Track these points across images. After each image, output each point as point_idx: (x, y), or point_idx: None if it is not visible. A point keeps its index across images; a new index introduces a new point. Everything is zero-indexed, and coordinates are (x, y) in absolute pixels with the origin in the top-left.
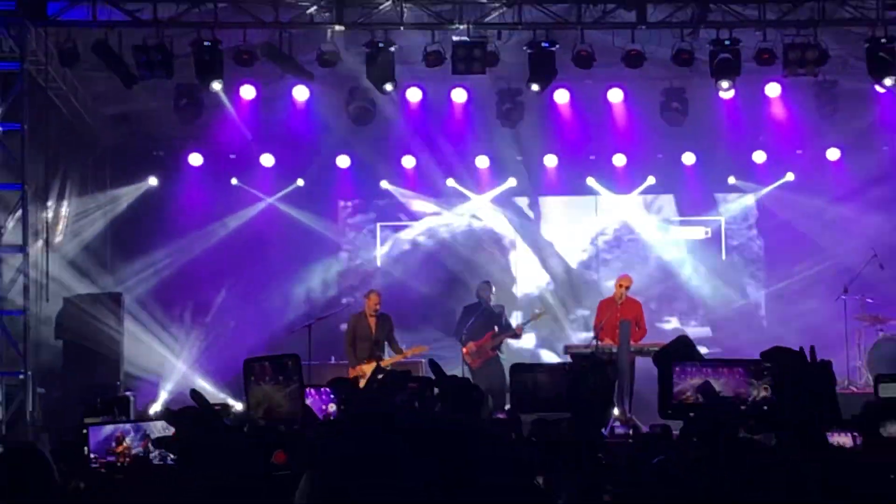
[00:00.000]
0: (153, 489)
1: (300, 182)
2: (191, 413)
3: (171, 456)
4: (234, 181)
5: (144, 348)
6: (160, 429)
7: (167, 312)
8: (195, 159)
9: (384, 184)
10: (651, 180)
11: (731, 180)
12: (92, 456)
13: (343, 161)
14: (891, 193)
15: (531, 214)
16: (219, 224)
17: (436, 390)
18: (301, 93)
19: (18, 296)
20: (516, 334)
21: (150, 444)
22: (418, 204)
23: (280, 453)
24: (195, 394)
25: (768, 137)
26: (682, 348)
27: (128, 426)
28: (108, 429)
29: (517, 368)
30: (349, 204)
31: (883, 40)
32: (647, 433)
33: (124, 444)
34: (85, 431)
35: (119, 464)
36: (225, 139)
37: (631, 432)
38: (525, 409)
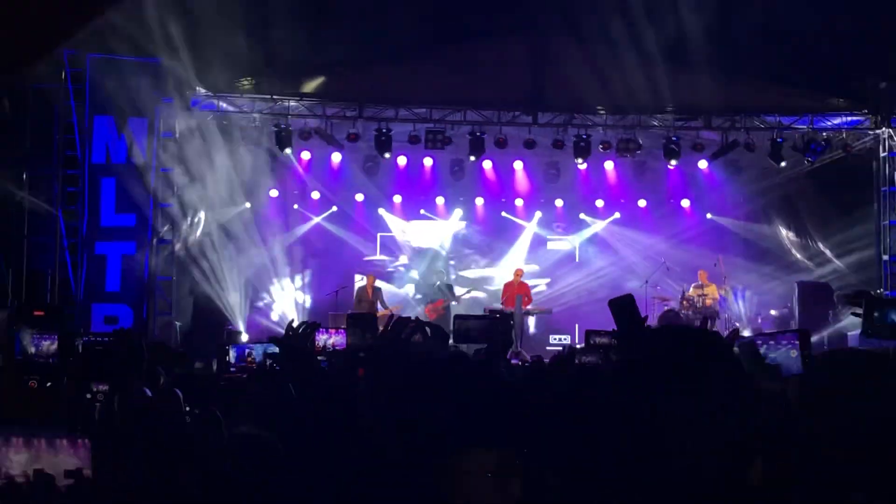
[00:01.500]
0: (264, 385)
1: (334, 208)
2: (286, 340)
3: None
4: (295, 206)
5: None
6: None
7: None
8: (274, 192)
9: (382, 212)
10: (538, 214)
11: (582, 216)
12: (232, 363)
13: (359, 197)
14: (675, 227)
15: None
16: (288, 234)
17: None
18: (336, 156)
19: (169, 270)
20: (457, 301)
21: (266, 358)
22: (403, 229)
23: (361, 370)
24: (289, 326)
25: (605, 191)
26: (628, 303)
27: (254, 345)
28: (242, 346)
29: (458, 318)
30: (360, 224)
31: (673, 138)
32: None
33: (251, 357)
34: (227, 347)
35: (249, 367)
36: (291, 181)
37: (520, 362)
38: (462, 342)
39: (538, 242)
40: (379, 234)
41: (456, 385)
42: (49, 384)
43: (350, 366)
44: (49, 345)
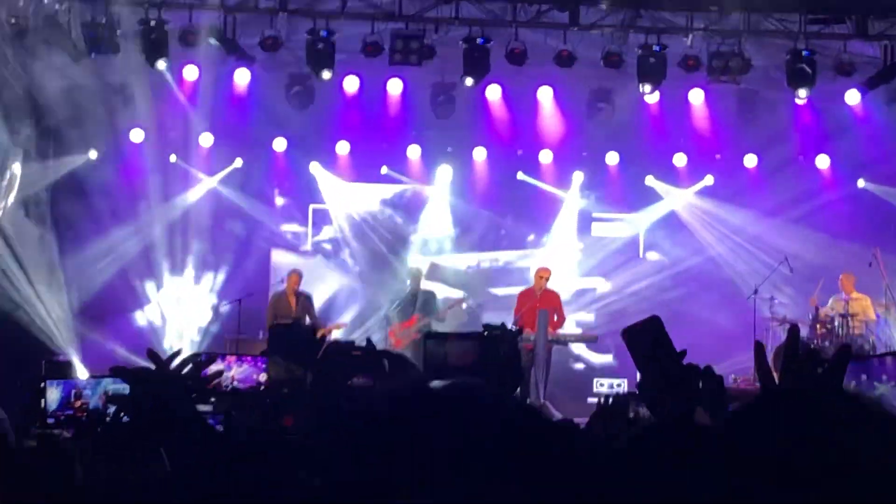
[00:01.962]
0: (95, 451)
1: (238, 163)
2: (143, 373)
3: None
4: (172, 158)
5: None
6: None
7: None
8: (136, 135)
9: (316, 167)
10: (580, 176)
11: (651, 180)
12: (50, 411)
13: (279, 144)
14: (804, 202)
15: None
16: (165, 205)
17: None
18: (242, 76)
19: None
20: (440, 318)
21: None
22: (351, 188)
23: (289, 418)
24: (151, 353)
25: (689, 141)
26: (653, 330)
27: (84, 381)
28: (69, 384)
29: (429, 337)
30: (282, 186)
31: (804, 52)
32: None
33: (79, 402)
34: (42, 385)
35: (78, 417)
36: (167, 117)
37: None
38: (437, 376)
39: (580, 223)
40: (311, 206)
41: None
42: None
43: (270, 415)
44: None
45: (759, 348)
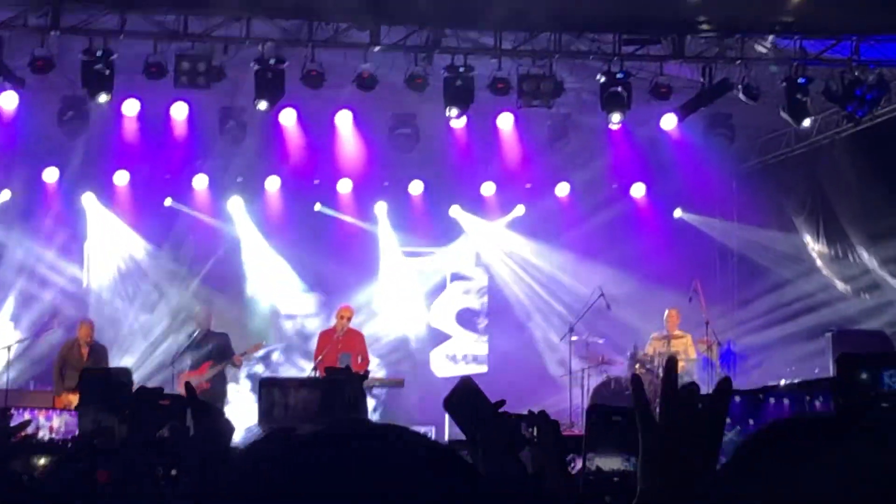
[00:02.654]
0: None
1: (6, 194)
2: None
3: None
4: None
5: None
6: None
7: None
8: None
9: (90, 199)
10: (382, 206)
11: (455, 211)
12: None
13: (51, 175)
14: (619, 231)
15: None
16: None
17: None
18: (9, 99)
19: None
20: (235, 364)
21: None
22: (129, 222)
23: (103, 473)
24: None
25: (498, 169)
26: (468, 392)
27: None
28: None
29: (266, 382)
30: (54, 221)
31: (618, 75)
32: None
33: None
34: None
35: None
36: None
37: None
38: (274, 422)
39: (383, 259)
40: (86, 244)
41: None
42: None
43: (81, 469)
44: None
45: (637, 382)
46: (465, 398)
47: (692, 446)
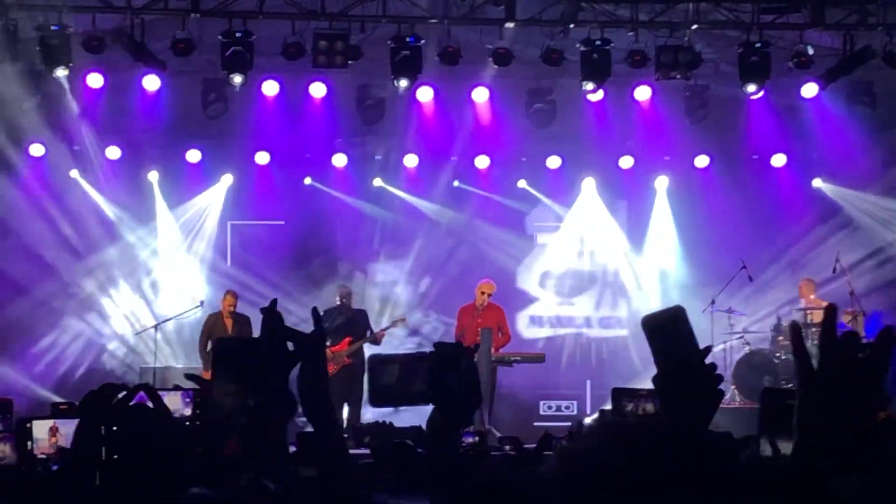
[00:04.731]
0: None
1: (154, 175)
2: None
3: None
4: (74, 174)
5: None
6: None
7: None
8: (37, 150)
9: (228, 179)
10: (520, 184)
11: (591, 184)
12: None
13: (193, 156)
14: (758, 203)
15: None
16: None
17: None
18: (152, 82)
19: None
20: (376, 340)
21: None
22: (272, 202)
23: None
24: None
25: (636, 142)
26: (677, 321)
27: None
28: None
29: (374, 360)
30: (199, 200)
31: (757, 45)
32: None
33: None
34: (28, 426)
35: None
36: (69, 129)
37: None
38: (382, 402)
39: (518, 232)
40: (230, 224)
41: None
42: None
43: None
44: None
45: (796, 328)
46: (670, 325)
47: (851, 395)
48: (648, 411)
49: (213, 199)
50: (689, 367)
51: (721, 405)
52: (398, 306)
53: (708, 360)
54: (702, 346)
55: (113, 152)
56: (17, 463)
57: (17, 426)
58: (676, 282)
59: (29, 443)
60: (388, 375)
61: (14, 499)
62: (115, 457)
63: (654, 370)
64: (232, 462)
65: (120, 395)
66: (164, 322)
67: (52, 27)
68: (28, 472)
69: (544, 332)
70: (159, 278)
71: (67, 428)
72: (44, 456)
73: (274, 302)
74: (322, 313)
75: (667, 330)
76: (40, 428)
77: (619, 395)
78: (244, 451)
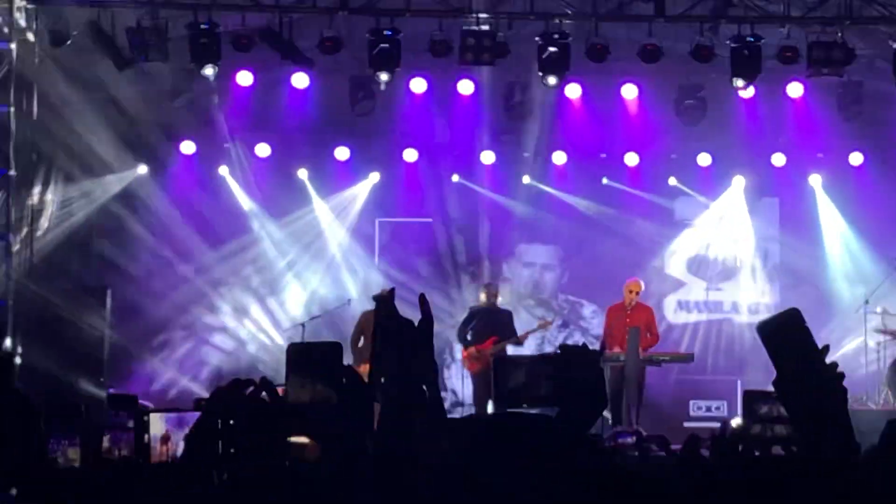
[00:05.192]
0: None
1: (304, 173)
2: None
3: None
4: (223, 171)
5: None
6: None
7: (153, 307)
8: (188, 147)
9: (376, 176)
10: (673, 181)
11: (741, 182)
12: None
13: (342, 153)
14: None
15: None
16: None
17: None
18: (300, 80)
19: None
20: (518, 341)
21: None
22: (419, 199)
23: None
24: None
25: (788, 140)
26: (794, 325)
27: (175, 416)
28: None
29: (500, 362)
30: (347, 197)
31: None
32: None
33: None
34: (146, 419)
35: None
36: (219, 127)
37: (633, 440)
38: (508, 404)
39: (665, 222)
40: (378, 221)
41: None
42: None
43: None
44: None
45: None
46: (786, 329)
47: None
48: (783, 414)
49: (361, 196)
50: (809, 367)
51: (876, 407)
52: (545, 304)
53: (834, 359)
54: (856, 347)
55: (262, 149)
56: (131, 454)
57: (136, 418)
58: (828, 279)
59: (146, 436)
60: (514, 378)
61: (131, 490)
62: (231, 451)
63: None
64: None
65: (248, 390)
66: (314, 319)
67: (202, 26)
68: (142, 465)
69: (692, 317)
70: (306, 275)
71: (179, 436)
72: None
73: (392, 291)
74: (468, 311)
75: (783, 334)
76: (156, 425)
77: (752, 397)
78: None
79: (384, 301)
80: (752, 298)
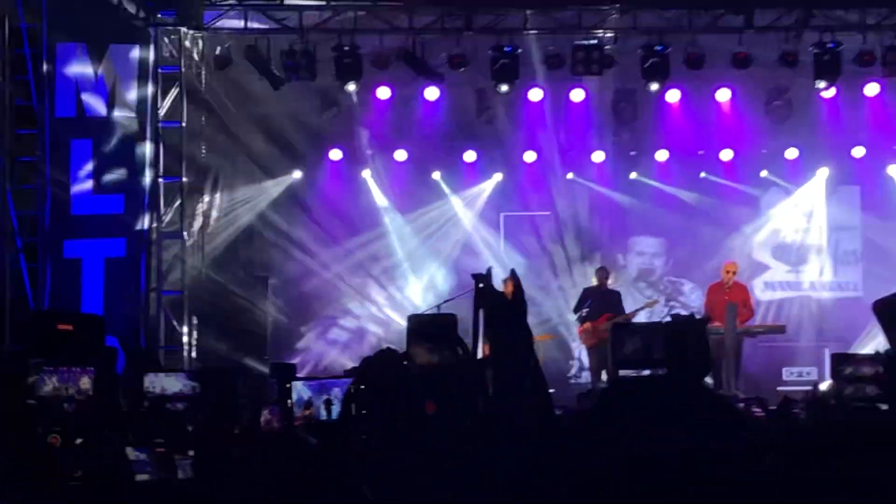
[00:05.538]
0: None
1: (437, 175)
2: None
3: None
4: (366, 174)
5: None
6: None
7: (306, 291)
8: (335, 154)
9: (499, 176)
10: (764, 173)
11: (825, 173)
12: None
13: (469, 156)
14: None
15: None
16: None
17: None
18: (432, 93)
19: (178, 280)
20: (628, 319)
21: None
22: (539, 195)
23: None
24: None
25: (867, 134)
26: None
27: (317, 383)
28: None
29: (617, 328)
30: (475, 194)
31: None
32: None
33: (308, 410)
34: (288, 385)
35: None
36: (361, 135)
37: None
38: (625, 366)
39: (754, 212)
40: (503, 215)
41: None
42: (80, 440)
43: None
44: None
45: None
46: None
47: None
48: (867, 375)
49: (487, 193)
50: None
51: None
52: (653, 286)
53: None
54: None
55: (400, 155)
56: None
57: (280, 387)
58: None
59: (289, 401)
60: (630, 343)
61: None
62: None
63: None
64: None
65: (389, 358)
66: (446, 301)
67: (345, 48)
68: (289, 432)
69: (778, 294)
70: (436, 262)
71: (319, 401)
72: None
73: (489, 270)
74: (582, 292)
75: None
76: (301, 391)
77: (838, 359)
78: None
79: (483, 279)
80: (832, 278)
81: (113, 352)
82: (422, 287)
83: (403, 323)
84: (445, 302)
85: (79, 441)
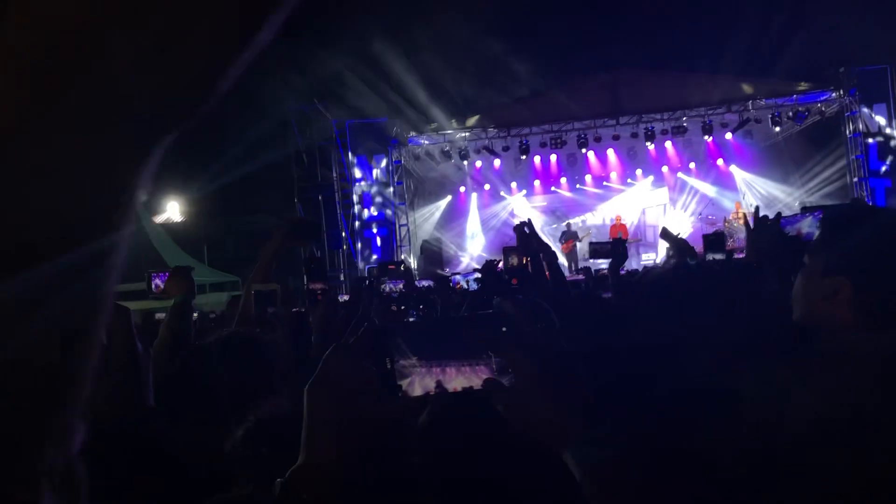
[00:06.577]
0: None
1: (505, 195)
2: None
3: None
4: (463, 189)
5: None
6: None
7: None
8: (462, 189)
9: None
10: (637, 181)
11: (641, 179)
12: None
13: (514, 184)
14: (708, 177)
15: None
16: (472, 214)
17: None
18: (497, 161)
19: None
20: (579, 241)
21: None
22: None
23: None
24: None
25: (667, 162)
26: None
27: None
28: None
29: (593, 245)
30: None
31: (708, 121)
32: None
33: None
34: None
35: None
36: (471, 180)
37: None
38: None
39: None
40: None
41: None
42: None
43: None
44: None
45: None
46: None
47: None
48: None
49: None
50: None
51: None
52: None
53: None
54: None
55: (486, 186)
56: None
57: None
58: None
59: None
60: (596, 247)
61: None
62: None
63: None
64: None
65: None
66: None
67: (461, 146)
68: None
69: None
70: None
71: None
72: None
73: (529, 221)
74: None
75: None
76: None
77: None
78: None
79: (527, 225)
80: None
81: None
82: None
83: None
84: None
85: None
